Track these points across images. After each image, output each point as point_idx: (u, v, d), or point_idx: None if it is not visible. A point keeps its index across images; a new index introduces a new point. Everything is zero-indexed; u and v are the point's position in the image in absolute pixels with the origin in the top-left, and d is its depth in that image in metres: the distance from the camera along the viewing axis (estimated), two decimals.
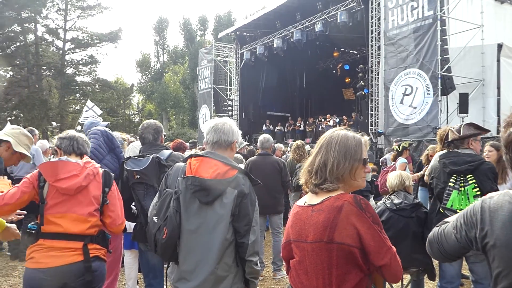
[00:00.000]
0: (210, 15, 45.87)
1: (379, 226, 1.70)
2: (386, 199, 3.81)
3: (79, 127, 13.45)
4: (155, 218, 2.31)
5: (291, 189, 6.85)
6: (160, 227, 2.26)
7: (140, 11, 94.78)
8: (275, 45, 19.48)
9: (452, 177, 3.47)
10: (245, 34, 22.94)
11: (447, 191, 3.47)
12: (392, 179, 3.89)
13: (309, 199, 1.86)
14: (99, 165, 2.75)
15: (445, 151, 3.70)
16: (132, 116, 49.90)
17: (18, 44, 34.22)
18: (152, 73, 46.74)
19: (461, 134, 3.54)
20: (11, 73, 35.44)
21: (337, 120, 18.98)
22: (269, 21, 20.03)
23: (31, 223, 2.54)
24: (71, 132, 2.77)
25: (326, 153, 1.81)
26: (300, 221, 1.82)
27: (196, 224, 2.26)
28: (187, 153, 8.31)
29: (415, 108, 12.57)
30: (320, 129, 19.73)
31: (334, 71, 22.95)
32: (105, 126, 4.81)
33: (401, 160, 7.17)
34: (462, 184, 3.42)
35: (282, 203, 5.74)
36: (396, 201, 3.71)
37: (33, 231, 2.51)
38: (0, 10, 32.27)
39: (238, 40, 23.50)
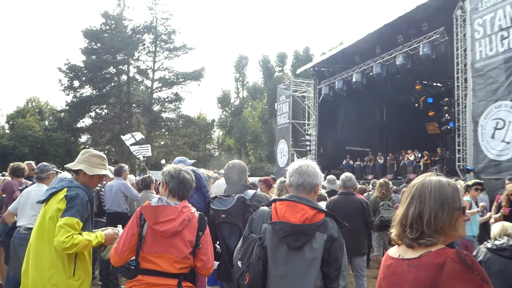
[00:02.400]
0: (288, 51, 46.86)
1: (488, 285, 1.52)
2: (487, 242, 3.59)
3: (141, 158, 14.11)
4: (239, 263, 2.34)
5: (374, 229, 6.59)
6: (243, 272, 2.29)
7: (221, 50, 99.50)
8: (354, 80, 19.30)
9: None
10: (323, 69, 23.05)
11: None
12: (494, 228, 3.71)
13: (404, 252, 1.71)
14: (194, 209, 2.82)
15: None
16: (212, 150, 51.65)
17: (112, 84, 37.37)
18: (232, 108, 48.32)
19: None
20: (106, 110, 38.62)
21: (419, 155, 18.12)
22: (348, 56, 19.98)
23: (131, 259, 2.69)
24: (183, 173, 2.81)
25: (420, 203, 1.66)
26: (394, 275, 1.70)
27: (285, 270, 2.24)
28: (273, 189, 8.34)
29: (508, 143, 11.66)
30: (401, 164, 18.97)
31: (416, 105, 22.12)
32: (191, 164, 5.02)
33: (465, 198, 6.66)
34: None
35: (365, 245, 5.53)
36: (498, 242, 3.48)
37: (132, 267, 2.67)
38: (99, 54, 35.68)
39: (316, 75, 23.64)
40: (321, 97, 22.80)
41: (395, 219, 1.79)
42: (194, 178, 2.90)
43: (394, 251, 1.78)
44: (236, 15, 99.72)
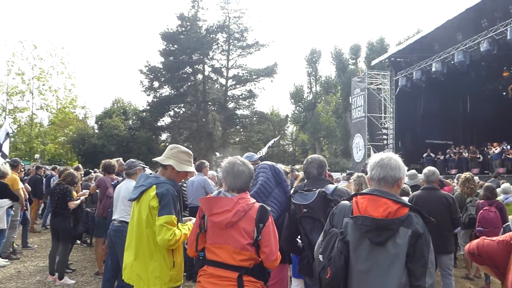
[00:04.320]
0: (362, 43, 45.63)
1: None
2: None
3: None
4: (320, 257, 2.32)
5: (461, 226, 6.25)
6: (324, 266, 2.27)
7: (293, 45, 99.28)
8: (433, 69, 18.39)
9: None
10: (399, 59, 22.18)
11: None
12: None
13: None
14: (254, 200, 2.83)
15: None
16: (286, 146, 51.78)
17: (189, 83, 38.85)
18: (305, 104, 48.08)
19: None
20: (183, 109, 40.27)
21: (508, 147, 16.78)
22: (426, 45, 19.07)
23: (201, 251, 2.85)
24: (237, 166, 2.84)
25: None
26: None
27: (368, 265, 2.21)
28: (342, 183, 8.26)
29: None
30: (488, 158, 17.72)
31: (504, 93, 20.53)
32: (258, 159, 5.12)
33: None
34: None
35: (453, 242, 5.27)
36: None
37: (201, 257, 2.82)
38: (176, 55, 37.26)
39: (393, 67, 22.83)
40: (398, 89, 21.99)
41: None
42: (251, 168, 2.92)
43: None
44: (307, 9, 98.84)
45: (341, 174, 14.75)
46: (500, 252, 1.74)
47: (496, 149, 17.18)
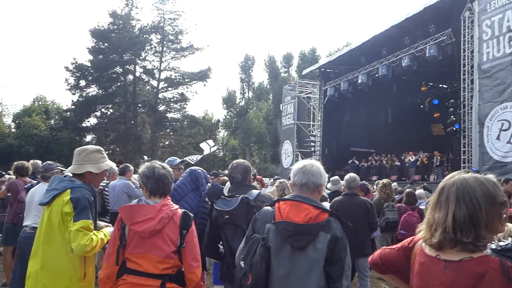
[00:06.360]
0: (294, 52, 46.74)
1: None
2: (491, 243, 3.54)
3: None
4: (242, 263, 2.33)
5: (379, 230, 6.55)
6: (245, 272, 2.27)
7: (228, 50, 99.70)
8: (359, 81, 19.25)
9: None
10: (329, 70, 23.02)
11: None
12: None
13: (442, 252, 1.61)
14: (177, 206, 2.78)
15: None
16: (216, 151, 51.63)
17: (118, 84, 37.54)
18: (237, 109, 48.30)
19: None
20: (111, 110, 38.80)
21: (422, 156, 18.09)
22: (354, 57, 19.93)
23: None
24: (157, 170, 2.76)
25: (466, 204, 1.55)
26: (428, 274, 1.62)
27: (288, 270, 2.23)
28: (269, 188, 8.37)
29: None
30: (406, 165, 18.89)
31: (421, 106, 22.02)
32: (180, 163, 5.05)
33: None
34: None
35: (369, 245, 5.51)
36: (502, 243, 3.43)
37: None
38: (106, 54, 35.87)
39: (322, 77, 23.62)
40: (326, 98, 22.77)
41: (428, 223, 1.68)
42: (172, 172, 2.88)
43: (429, 249, 1.67)
44: (243, 16, 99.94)
45: (269, 179, 14.95)
46: (401, 258, 1.82)
47: (412, 158, 18.44)
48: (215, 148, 15.00)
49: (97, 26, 36.41)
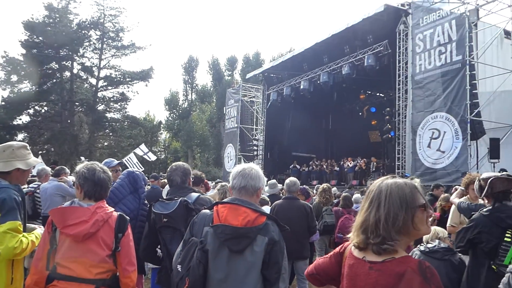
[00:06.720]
0: (239, 56, 46.97)
1: None
2: (420, 245, 3.75)
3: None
4: (179, 267, 2.29)
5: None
6: (182, 276, 2.24)
7: (171, 50, 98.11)
8: (302, 87, 19.69)
9: (508, 232, 3.29)
10: (272, 75, 23.33)
11: (503, 247, 3.29)
12: None
13: (368, 254, 1.69)
14: (112, 209, 2.70)
15: (481, 202, 3.55)
16: (158, 153, 50.63)
17: (54, 80, 35.72)
18: (180, 111, 47.67)
19: (494, 186, 3.39)
20: (46, 108, 36.85)
21: (360, 161, 18.81)
22: (297, 63, 20.35)
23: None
24: (98, 174, 2.66)
25: (379, 207, 1.64)
26: (356, 275, 1.69)
27: (226, 273, 2.22)
28: (212, 191, 8.30)
29: (443, 152, 12.37)
30: (345, 170, 19.53)
31: (360, 113, 22.92)
32: (118, 165, 4.92)
33: None
34: None
35: (308, 248, 5.61)
36: (430, 245, 3.65)
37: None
38: (40, 48, 34.01)
39: (266, 81, 23.89)
40: (269, 103, 23.07)
41: (355, 225, 1.76)
42: (110, 176, 2.80)
43: (357, 252, 1.75)
44: (187, 16, 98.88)
45: (212, 183, 14.88)
46: (333, 264, 1.88)
47: (350, 163, 19.12)
48: (150, 154, 14.71)
49: (31, 19, 34.47)
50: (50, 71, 35.68)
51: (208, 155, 45.97)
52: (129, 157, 13.84)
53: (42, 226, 3.02)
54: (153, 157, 14.96)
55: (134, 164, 13.69)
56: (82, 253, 2.48)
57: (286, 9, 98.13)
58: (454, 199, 4.58)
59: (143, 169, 12.73)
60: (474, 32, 12.63)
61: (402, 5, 14.61)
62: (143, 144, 16.19)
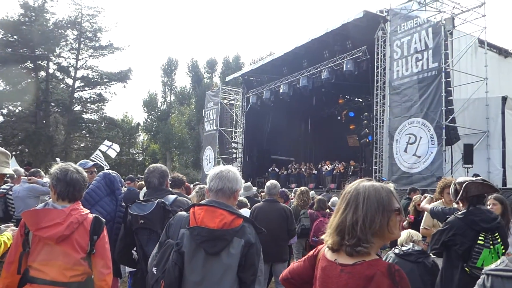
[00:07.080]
0: (218, 58, 46.81)
1: None
2: (395, 248, 3.80)
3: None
4: (154, 269, 2.27)
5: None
6: (158, 279, 2.22)
7: (150, 52, 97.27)
8: (281, 91, 19.79)
9: (481, 235, 3.36)
10: (252, 78, 23.37)
11: (476, 250, 3.36)
12: (401, 234, 3.88)
13: (340, 256, 1.71)
14: (88, 211, 2.66)
15: (455, 206, 3.62)
16: (136, 155, 50.03)
17: (29, 80, 34.93)
18: (159, 113, 47.22)
19: (469, 190, 3.46)
20: (20, 108, 35.99)
21: (338, 165, 18.98)
22: (276, 67, 20.44)
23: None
24: (70, 174, 2.61)
25: (356, 209, 1.66)
26: (328, 278, 1.71)
27: (201, 276, 2.21)
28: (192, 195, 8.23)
29: (419, 157, 12.59)
30: (323, 174, 19.68)
31: (338, 118, 23.18)
32: (93, 166, 4.81)
33: None
34: (491, 242, 3.32)
35: (287, 251, 5.62)
36: (404, 248, 3.70)
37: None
38: (15, 47, 33.24)
39: (245, 84, 23.92)
40: (249, 106, 23.10)
41: (330, 227, 1.77)
42: (85, 177, 2.75)
43: (330, 254, 1.76)
44: (167, 18, 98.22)
45: (190, 185, 14.77)
46: (307, 267, 1.90)
47: (328, 167, 19.28)
48: (115, 146, 14.38)
49: (6, 16, 33.65)
50: (24, 71, 34.82)
51: (187, 158, 45.70)
52: (96, 155, 13.54)
53: (15, 227, 2.94)
54: (117, 148, 14.64)
55: (102, 161, 13.42)
56: (56, 255, 2.43)
57: (267, 12, 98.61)
58: (425, 205, 4.65)
59: (108, 167, 12.47)
60: (450, 40, 12.91)
61: (381, 11, 14.84)
62: (106, 140, 15.83)
